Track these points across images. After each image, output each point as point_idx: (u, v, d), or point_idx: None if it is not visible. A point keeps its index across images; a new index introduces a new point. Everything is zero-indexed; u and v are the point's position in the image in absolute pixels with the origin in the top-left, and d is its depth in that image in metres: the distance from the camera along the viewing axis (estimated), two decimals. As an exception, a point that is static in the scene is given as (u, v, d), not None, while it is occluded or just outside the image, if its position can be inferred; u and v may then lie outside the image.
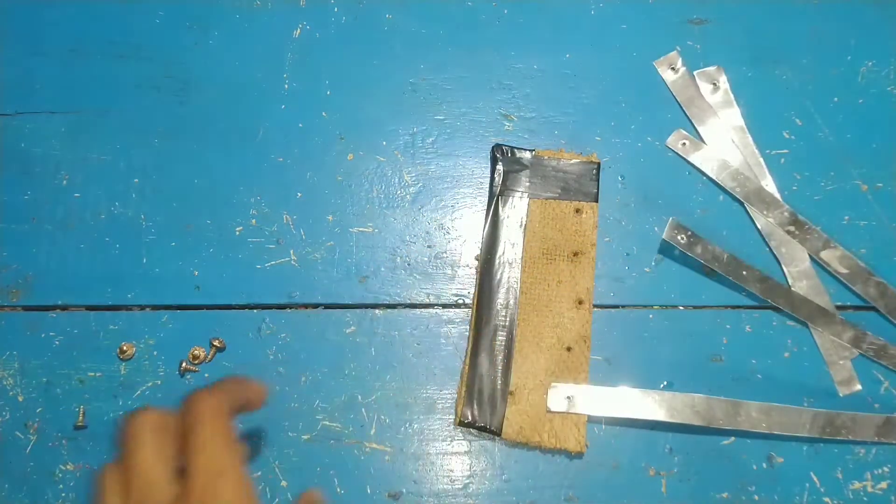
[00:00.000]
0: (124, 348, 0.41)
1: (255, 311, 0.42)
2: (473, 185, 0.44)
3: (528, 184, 0.43)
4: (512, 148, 0.44)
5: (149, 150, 0.44)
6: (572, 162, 0.43)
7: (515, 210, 0.43)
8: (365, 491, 0.40)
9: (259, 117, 0.45)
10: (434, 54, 0.46)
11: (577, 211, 0.43)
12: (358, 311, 0.42)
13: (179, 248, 0.43)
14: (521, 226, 0.43)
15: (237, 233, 0.43)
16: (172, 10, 0.46)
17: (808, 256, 0.42)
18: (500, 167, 0.43)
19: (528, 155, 0.44)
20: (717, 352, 0.41)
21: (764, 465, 0.40)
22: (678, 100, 0.45)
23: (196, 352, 0.41)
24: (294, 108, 0.45)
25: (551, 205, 0.43)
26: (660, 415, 0.39)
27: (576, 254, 0.42)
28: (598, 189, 0.43)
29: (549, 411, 0.40)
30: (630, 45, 0.46)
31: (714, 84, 0.45)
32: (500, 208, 0.43)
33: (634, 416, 0.39)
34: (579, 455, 0.40)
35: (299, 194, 0.44)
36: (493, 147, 0.44)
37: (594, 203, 0.43)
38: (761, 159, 0.44)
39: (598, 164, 0.43)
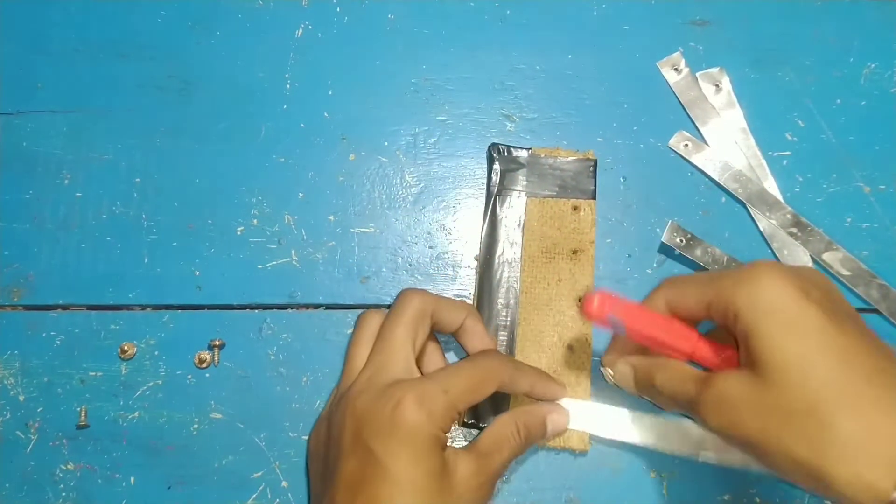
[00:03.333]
0: (125, 348, 0.41)
1: (256, 311, 0.42)
2: (475, 185, 0.44)
3: (525, 182, 0.43)
4: (508, 147, 0.44)
5: (151, 150, 0.44)
6: (569, 159, 0.43)
7: (513, 209, 0.43)
8: (366, 491, 0.40)
9: (261, 117, 0.45)
10: (436, 55, 0.46)
11: (575, 209, 0.43)
12: (359, 311, 0.42)
13: (181, 247, 0.43)
14: (519, 225, 0.43)
15: (238, 233, 0.43)
16: (175, 9, 0.46)
17: (810, 258, 0.42)
18: (496, 166, 0.43)
19: (524, 153, 0.44)
20: (718, 353, 0.41)
21: (765, 467, 0.40)
22: (681, 101, 0.45)
23: (203, 356, 0.41)
24: (296, 108, 0.45)
25: (549, 203, 0.43)
26: (649, 440, 0.39)
27: (575, 252, 0.42)
28: (595, 186, 0.43)
29: (550, 412, 0.40)
30: (632, 46, 0.46)
31: (716, 85, 0.45)
32: (499, 208, 0.43)
33: (623, 440, 0.39)
34: (581, 455, 0.40)
35: (301, 194, 0.44)
36: (489, 146, 0.44)
37: (592, 200, 0.43)
38: (763, 161, 0.44)
39: (595, 160, 0.43)
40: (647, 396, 0.36)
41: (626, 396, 0.39)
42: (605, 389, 0.40)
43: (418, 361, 0.36)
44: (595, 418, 0.39)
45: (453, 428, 0.40)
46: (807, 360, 0.28)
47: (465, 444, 0.40)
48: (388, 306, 0.42)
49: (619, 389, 0.37)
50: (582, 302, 0.35)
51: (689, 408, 0.32)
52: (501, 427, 0.35)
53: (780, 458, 0.28)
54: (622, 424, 0.39)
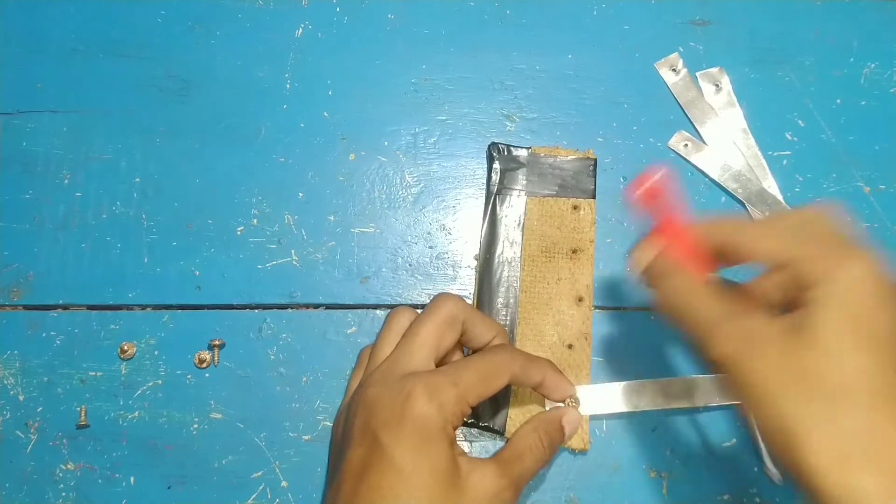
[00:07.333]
0: (125, 348, 0.41)
1: (256, 311, 0.42)
2: (475, 185, 0.44)
3: (525, 182, 0.43)
4: (508, 146, 0.44)
5: (150, 150, 0.44)
6: (569, 158, 0.43)
7: (513, 209, 0.43)
8: (366, 491, 0.40)
9: (261, 117, 0.45)
10: (436, 55, 0.46)
11: (575, 208, 0.43)
12: (359, 311, 0.42)
13: (180, 247, 0.43)
14: (519, 224, 0.43)
15: (238, 233, 0.43)
16: (174, 9, 0.46)
17: (809, 258, 0.42)
18: (496, 165, 0.43)
19: (524, 153, 0.44)
20: (718, 353, 0.41)
21: (765, 466, 0.40)
22: (679, 102, 0.45)
23: (203, 355, 0.41)
24: (296, 107, 0.45)
25: (549, 202, 0.43)
26: (659, 402, 0.39)
27: (575, 251, 0.42)
28: (595, 185, 0.43)
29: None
30: (632, 46, 0.46)
31: (716, 85, 0.45)
32: (498, 207, 0.43)
33: (635, 409, 0.39)
34: (581, 455, 0.40)
35: (301, 194, 0.44)
36: (489, 145, 0.44)
37: (591, 199, 0.43)
38: (763, 161, 0.44)
39: (595, 160, 0.43)
40: (649, 288, 0.33)
41: (622, 374, 0.40)
42: (603, 381, 0.40)
43: (441, 365, 0.36)
44: (600, 399, 0.39)
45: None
46: (858, 348, 0.27)
47: (465, 443, 0.40)
48: (388, 306, 0.42)
49: (616, 381, 0.38)
50: (644, 171, 0.33)
51: (701, 324, 0.30)
52: (524, 438, 0.35)
53: (776, 420, 0.27)
54: (627, 395, 0.39)
